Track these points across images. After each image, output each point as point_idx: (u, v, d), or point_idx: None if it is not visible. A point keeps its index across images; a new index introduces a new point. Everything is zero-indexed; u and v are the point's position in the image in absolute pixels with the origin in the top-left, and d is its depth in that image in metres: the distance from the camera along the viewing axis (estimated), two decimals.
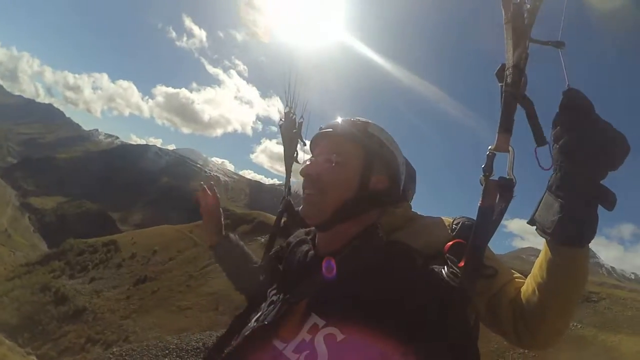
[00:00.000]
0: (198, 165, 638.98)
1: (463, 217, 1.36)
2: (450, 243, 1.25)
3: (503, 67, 1.23)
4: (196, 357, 47.28)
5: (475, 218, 1.20)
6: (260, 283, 1.58)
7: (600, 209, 0.99)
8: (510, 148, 1.20)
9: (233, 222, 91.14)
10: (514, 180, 1.15)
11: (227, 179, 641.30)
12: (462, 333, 1.08)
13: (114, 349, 51.01)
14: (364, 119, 1.43)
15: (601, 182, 0.99)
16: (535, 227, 1.08)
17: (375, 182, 1.35)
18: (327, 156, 1.36)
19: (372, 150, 1.37)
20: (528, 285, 1.18)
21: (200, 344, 49.97)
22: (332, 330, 1.08)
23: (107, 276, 78.02)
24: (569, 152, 0.98)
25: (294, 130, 2.37)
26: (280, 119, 2.52)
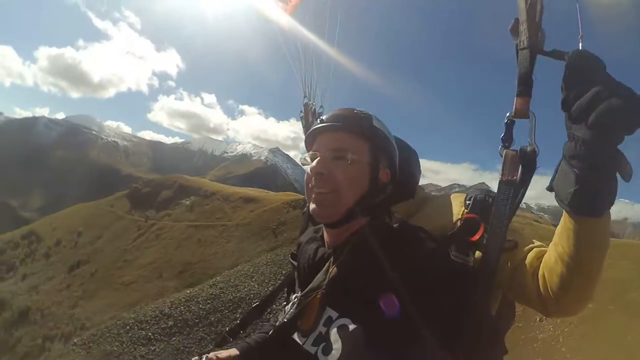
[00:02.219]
0: (93, 132, 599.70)
1: (478, 189, 1.43)
2: (461, 219, 1.33)
3: (517, 22, 1.18)
4: (156, 325, 50.76)
5: (492, 190, 1.26)
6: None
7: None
8: (530, 113, 1.13)
9: (153, 190, 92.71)
10: (537, 150, 1.11)
11: (126, 143, 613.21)
12: (475, 312, 1.06)
13: (75, 340, 53.05)
14: (366, 112, 1.40)
15: (617, 147, 0.94)
16: (554, 194, 1.07)
17: (382, 175, 1.36)
18: (337, 153, 1.31)
19: (378, 144, 1.36)
20: (550, 254, 1.17)
21: (157, 312, 53.42)
22: (345, 321, 1.12)
23: (39, 269, 77.09)
24: (579, 117, 0.93)
25: (313, 121, 2.15)
26: (301, 111, 2.44)
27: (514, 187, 1.11)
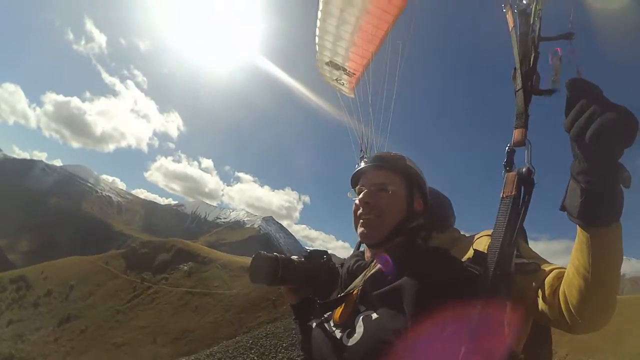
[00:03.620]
0: (89, 184, 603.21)
1: None
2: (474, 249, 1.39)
3: (514, 70, 1.38)
4: None
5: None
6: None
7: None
8: (527, 142, 1.28)
9: (150, 252, 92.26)
10: (532, 169, 1.23)
11: (120, 199, 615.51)
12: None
13: None
14: (400, 154, 1.74)
15: (619, 160, 1.02)
16: (565, 213, 1.13)
17: (416, 205, 1.64)
18: (380, 186, 1.61)
19: (412, 179, 1.65)
20: (568, 270, 1.23)
21: None
22: (369, 313, 1.34)
23: (26, 317, 76.34)
24: (578, 136, 1.02)
25: None
26: (357, 164, 2.32)
27: (511, 202, 1.22)
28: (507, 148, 1.31)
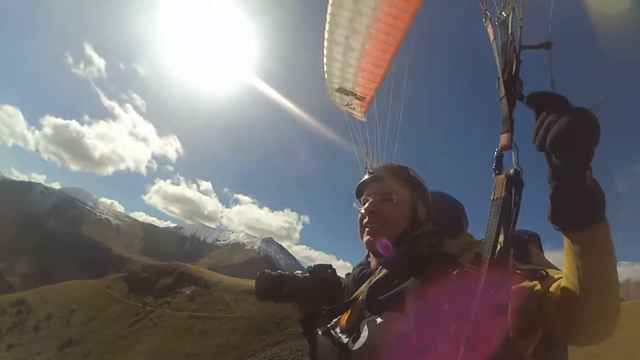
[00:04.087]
0: (88, 207, 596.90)
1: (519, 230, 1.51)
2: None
3: (498, 79, 1.43)
4: None
5: (530, 230, 1.43)
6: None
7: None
8: (513, 145, 1.30)
9: (152, 276, 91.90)
10: (519, 170, 1.23)
11: (118, 222, 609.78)
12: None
13: None
14: (403, 165, 1.80)
15: (585, 162, 1.05)
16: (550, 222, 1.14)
17: (420, 213, 1.69)
18: (385, 195, 1.67)
19: (416, 188, 1.72)
20: (563, 279, 1.21)
21: None
22: (374, 318, 1.36)
23: (27, 342, 75.38)
24: (541, 146, 1.07)
25: None
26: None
27: (501, 203, 1.23)
28: (495, 153, 1.35)
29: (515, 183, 1.24)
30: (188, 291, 79.96)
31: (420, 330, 1.22)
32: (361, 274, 1.69)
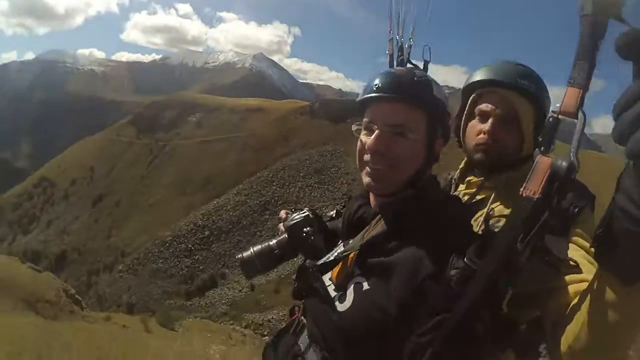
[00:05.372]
0: (68, 65, 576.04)
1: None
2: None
3: None
4: (194, 237, 54.45)
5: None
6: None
7: None
8: (581, 113, 0.83)
9: (156, 112, 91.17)
10: (576, 165, 0.83)
11: (102, 69, 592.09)
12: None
13: (120, 267, 57.28)
14: (426, 76, 1.28)
15: None
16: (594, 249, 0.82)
17: (437, 145, 1.29)
18: (397, 128, 1.22)
19: (437, 115, 1.25)
20: (573, 322, 0.96)
21: (191, 225, 57.46)
22: (361, 280, 1.18)
23: (62, 212, 79.87)
24: (620, 138, 0.64)
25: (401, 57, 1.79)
26: (387, 52, 1.92)
27: (529, 209, 0.88)
28: (549, 117, 0.89)
29: (562, 184, 0.85)
30: (194, 119, 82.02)
31: (404, 314, 1.05)
32: (357, 216, 1.37)
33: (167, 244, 52.75)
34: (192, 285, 45.02)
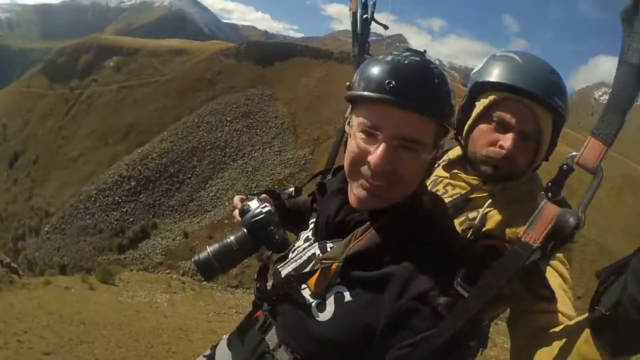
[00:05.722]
0: None
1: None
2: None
3: (636, 7, 0.73)
4: (120, 189, 53.22)
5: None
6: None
7: None
8: (599, 169, 0.79)
9: (69, 59, 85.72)
10: (582, 222, 0.79)
11: (7, 14, 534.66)
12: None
13: (46, 228, 55.15)
14: (446, 80, 1.07)
15: None
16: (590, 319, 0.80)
17: (438, 155, 1.15)
18: (408, 143, 1.03)
19: (446, 122, 1.07)
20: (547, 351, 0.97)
21: (116, 176, 56.19)
22: (342, 289, 1.09)
23: None
24: None
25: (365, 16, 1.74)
26: (350, 9, 1.86)
27: (527, 256, 0.85)
28: (564, 164, 0.85)
29: (564, 238, 0.83)
30: (112, 63, 76.89)
31: (386, 331, 1.00)
32: (337, 219, 1.22)
33: (93, 199, 50.85)
34: (123, 238, 44.65)
